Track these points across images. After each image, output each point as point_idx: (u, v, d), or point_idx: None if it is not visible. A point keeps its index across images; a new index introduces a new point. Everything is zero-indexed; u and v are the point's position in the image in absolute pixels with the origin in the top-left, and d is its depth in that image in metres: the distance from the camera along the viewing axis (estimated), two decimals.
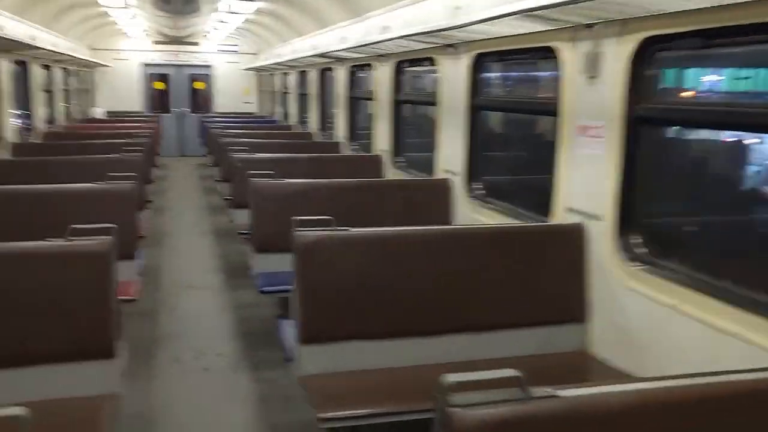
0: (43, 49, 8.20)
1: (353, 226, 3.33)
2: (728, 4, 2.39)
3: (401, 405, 2.87)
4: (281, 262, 4.53)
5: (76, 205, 4.52)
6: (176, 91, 17.14)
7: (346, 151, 8.42)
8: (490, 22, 3.61)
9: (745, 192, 4.70)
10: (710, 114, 3.05)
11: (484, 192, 4.95)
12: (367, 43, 5.97)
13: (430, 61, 5.68)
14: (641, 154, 3.18)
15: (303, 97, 12.12)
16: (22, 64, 8.76)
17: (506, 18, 3.40)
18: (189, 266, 7.42)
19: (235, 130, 10.33)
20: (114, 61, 16.01)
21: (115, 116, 14.34)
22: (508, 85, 5.93)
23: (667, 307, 2.90)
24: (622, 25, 3.09)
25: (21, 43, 6.89)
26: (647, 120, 3.16)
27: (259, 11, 10.33)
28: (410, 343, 3.27)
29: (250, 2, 9.04)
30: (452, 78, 5.15)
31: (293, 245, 3.18)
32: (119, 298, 3.14)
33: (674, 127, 4.01)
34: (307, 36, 10.13)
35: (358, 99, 8.55)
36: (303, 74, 11.78)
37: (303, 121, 12.19)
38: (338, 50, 7.29)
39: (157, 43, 16.43)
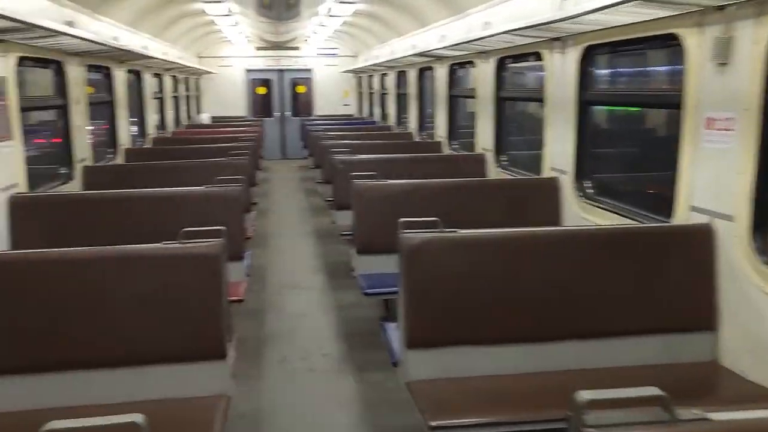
0: (154, 58, 8.57)
1: (458, 228, 3.22)
2: None
3: (515, 415, 2.73)
4: (384, 264, 4.50)
5: (186, 207, 4.66)
6: (278, 96, 17.57)
7: (447, 150, 8.30)
8: (604, 11, 3.40)
9: None
10: None
11: (594, 191, 4.72)
12: (469, 39, 5.83)
13: (535, 56, 5.48)
14: None
15: (401, 98, 12.10)
16: (135, 74, 9.20)
17: (623, 5, 3.19)
18: (293, 267, 7.53)
19: (335, 132, 10.43)
20: (219, 68, 16.59)
21: (219, 121, 14.85)
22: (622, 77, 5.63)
23: None
24: (760, 5, 2.81)
25: (134, 53, 7.22)
26: None
27: (356, 13, 10.39)
28: (520, 349, 3.12)
29: (349, 4, 9.07)
30: (559, 72, 4.93)
31: (399, 247, 3.11)
32: (229, 299, 3.17)
33: None
34: (406, 36, 10.09)
35: (459, 97, 8.41)
36: (401, 75, 11.76)
37: (401, 121, 12.17)
38: (439, 48, 7.19)
39: (259, 49, 16.89)
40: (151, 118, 10.21)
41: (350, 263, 5.18)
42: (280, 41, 15.74)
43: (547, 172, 5.19)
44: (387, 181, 4.92)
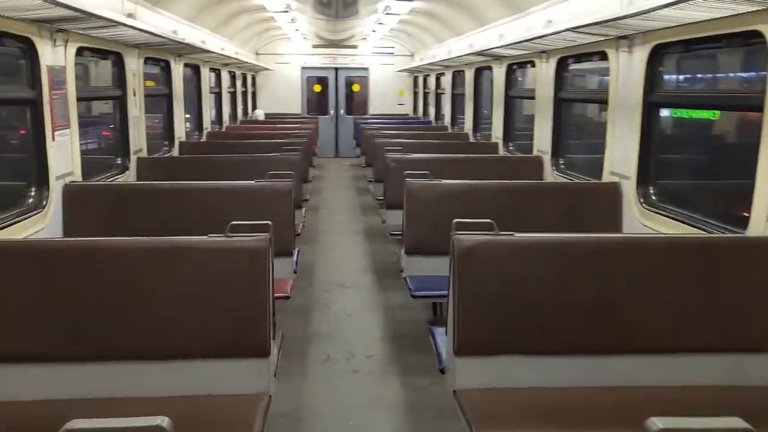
0: (212, 52, 8.63)
1: (513, 231, 3.07)
2: None
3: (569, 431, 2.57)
4: (433, 266, 4.37)
5: (237, 201, 4.63)
6: (333, 94, 17.61)
7: (502, 151, 8.11)
8: (678, 5, 3.19)
9: None
10: None
11: (658, 198, 4.48)
12: (530, 38, 5.64)
13: (599, 55, 5.25)
14: None
15: (457, 98, 11.93)
16: (193, 68, 9.30)
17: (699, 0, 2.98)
18: (341, 265, 7.47)
19: (389, 130, 10.35)
20: (275, 65, 16.72)
21: (273, 118, 14.95)
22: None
23: None
24: None
25: (192, 46, 7.27)
26: None
27: (413, 11, 10.28)
28: (574, 362, 2.96)
29: (407, 2, 8.96)
30: (625, 72, 4.71)
31: (452, 249, 2.97)
32: (275, 295, 3.09)
33: None
34: (464, 35, 9.93)
35: (517, 98, 8.20)
36: (457, 74, 11.59)
37: (456, 121, 12.00)
38: (497, 47, 7.01)
39: (316, 47, 16.95)
40: (207, 113, 10.31)
41: (399, 264, 5.08)
42: (337, 39, 15.76)
43: (607, 177, 4.96)
44: (440, 180, 4.79)
